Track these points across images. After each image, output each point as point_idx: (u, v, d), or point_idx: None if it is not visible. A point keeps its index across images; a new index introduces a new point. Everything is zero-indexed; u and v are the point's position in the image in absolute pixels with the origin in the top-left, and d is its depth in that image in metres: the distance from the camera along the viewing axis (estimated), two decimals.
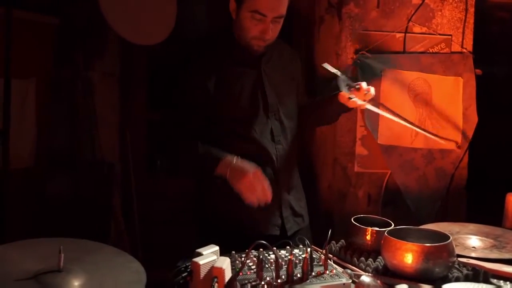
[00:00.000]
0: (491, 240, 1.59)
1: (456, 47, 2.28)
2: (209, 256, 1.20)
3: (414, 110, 2.23)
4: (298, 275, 1.24)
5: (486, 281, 1.31)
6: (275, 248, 1.26)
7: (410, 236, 1.43)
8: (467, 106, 2.28)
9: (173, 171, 2.69)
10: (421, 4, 2.23)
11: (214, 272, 1.14)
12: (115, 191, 2.60)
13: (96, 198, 2.52)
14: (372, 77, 2.15)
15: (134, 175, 2.67)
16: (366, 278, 1.25)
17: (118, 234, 2.58)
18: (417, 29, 2.24)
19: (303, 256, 1.26)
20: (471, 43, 2.29)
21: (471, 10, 2.27)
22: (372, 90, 1.68)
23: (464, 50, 2.28)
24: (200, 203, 1.78)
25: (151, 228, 2.69)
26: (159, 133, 1.98)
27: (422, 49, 2.25)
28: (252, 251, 1.29)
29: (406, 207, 2.24)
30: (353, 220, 1.57)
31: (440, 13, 2.25)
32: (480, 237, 1.61)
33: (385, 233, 1.40)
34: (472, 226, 1.71)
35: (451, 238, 1.35)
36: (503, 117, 2.67)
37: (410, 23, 2.23)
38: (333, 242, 1.58)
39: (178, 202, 2.63)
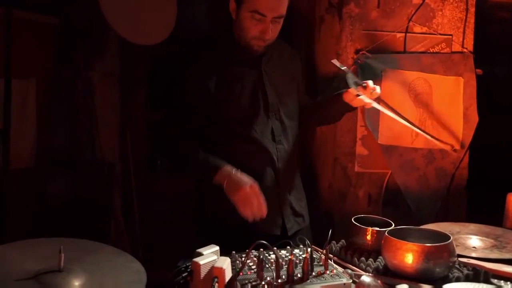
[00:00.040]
0: (492, 240, 1.59)
1: (456, 47, 2.27)
2: (209, 256, 1.20)
3: (414, 110, 2.23)
4: (299, 275, 1.24)
5: (487, 281, 1.31)
6: (275, 248, 1.26)
7: (411, 236, 1.43)
8: (467, 106, 2.28)
9: (173, 171, 2.70)
10: (421, 4, 2.22)
11: (215, 272, 1.14)
12: (115, 191, 2.60)
13: (96, 198, 2.52)
14: (373, 77, 2.14)
15: (134, 175, 2.67)
16: (366, 278, 1.25)
17: (118, 234, 2.58)
18: (417, 29, 2.24)
19: (304, 256, 1.26)
20: (472, 43, 2.29)
21: (472, 10, 2.27)
22: (378, 89, 1.69)
23: (465, 50, 2.28)
24: (201, 203, 1.77)
25: (151, 228, 2.69)
26: (160, 133, 1.98)
27: (422, 49, 2.25)
28: (253, 251, 1.29)
29: (406, 207, 2.24)
30: (354, 220, 1.57)
31: (440, 13, 2.25)
32: (480, 237, 1.61)
33: (386, 233, 1.40)
34: (472, 226, 1.71)
35: (451, 238, 1.35)
36: (503, 117, 2.67)
37: (411, 23, 2.22)
38: (334, 242, 1.58)
39: (178, 202, 2.63)
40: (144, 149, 2.87)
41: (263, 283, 1.18)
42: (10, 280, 1.02)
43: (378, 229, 1.52)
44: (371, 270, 1.39)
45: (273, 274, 1.23)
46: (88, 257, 1.14)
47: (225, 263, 1.16)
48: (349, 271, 1.36)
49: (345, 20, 2.19)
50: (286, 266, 1.25)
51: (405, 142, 2.22)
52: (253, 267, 1.28)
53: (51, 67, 2.46)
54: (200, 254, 1.20)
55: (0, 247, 1.14)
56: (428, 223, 1.70)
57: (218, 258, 1.20)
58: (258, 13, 1.60)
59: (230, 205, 1.60)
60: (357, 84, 1.68)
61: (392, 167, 2.24)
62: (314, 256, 1.32)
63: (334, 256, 1.49)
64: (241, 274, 1.21)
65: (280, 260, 1.26)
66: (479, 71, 2.29)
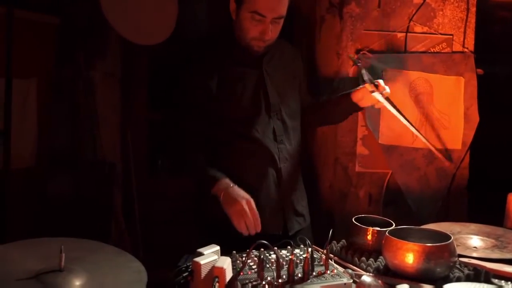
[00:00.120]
0: (493, 240, 1.59)
1: (457, 47, 2.27)
2: (210, 255, 1.20)
3: (415, 110, 2.23)
4: (299, 275, 1.24)
5: (488, 281, 1.31)
6: (276, 248, 1.26)
7: (411, 236, 1.43)
8: (468, 106, 2.28)
9: (174, 171, 2.70)
10: (422, 4, 2.22)
11: (215, 272, 1.14)
12: (116, 191, 2.60)
13: (97, 198, 2.52)
14: (373, 77, 2.15)
15: (135, 175, 2.68)
16: (367, 278, 1.25)
17: (119, 234, 2.58)
18: (418, 28, 2.23)
19: (304, 256, 1.26)
20: (473, 42, 2.28)
21: (473, 9, 2.27)
22: (388, 88, 1.70)
23: (466, 50, 2.28)
24: (201, 203, 1.78)
25: (152, 228, 2.69)
26: (161, 133, 1.98)
27: (423, 49, 2.25)
28: (253, 250, 1.29)
29: (407, 207, 2.24)
30: (354, 220, 1.57)
31: (441, 12, 2.25)
32: (481, 237, 1.61)
33: (386, 233, 1.40)
34: (473, 226, 1.71)
35: (452, 238, 1.35)
36: (504, 117, 2.67)
37: (411, 23, 2.22)
38: (334, 242, 1.58)
39: (179, 202, 2.63)
40: (145, 149, 2.87)
41: (263, 283, 1.19)
42: (11, 279, 1.02)
43: (378, 229, 1.52)
44: (371, 270, 1.39)
45: (273, 274, 1.23)
46: (89, 257, 1.14)
47: (226, 263, 1.16)
48: (350, 271, 1.36)
49: (346, 20, 2.19)
50: (286, 266, 1.25)
51: (405, 142, 2.22)
52: (254, 267, 1.28)
53: (52, 67, 2.46)
54: (201, 254, 1.21)
55: (1, 246, 1.15)
56: (428, 223, 1.70)
57: (218, 258, 1.20)
58: (258, 13, 1.60)
59: None
60: (370, 82, 1.70)
61: (393, 167, 2.24)
62: (315, 256, 1.32)
63: (334, 256, 1.49)
64: (241, 274, 1.21)
65: (281, 260, 1.26)
66: (480, 71, 2.29)
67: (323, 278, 1.24)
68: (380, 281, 1.26)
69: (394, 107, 1.78)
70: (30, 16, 2.28)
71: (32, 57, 2.33)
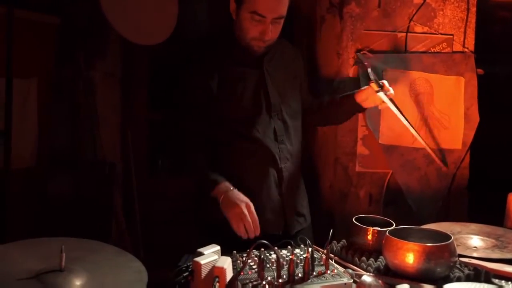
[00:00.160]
0: (493, 240, 1.59)
1: (457, 47, 2.27)
2: (210, 255, 1.20)
3: (415, 110, 2.23)
4: (299, 275, 1.24)
5: (488, 281, 1.31)
6: (276, 247, 1.26)
7: (412, 236, 1.43)
8: (468, 106, 2.28)
9: (174, 171, 2.70)
10: (422, 4, 2.22)
11: (216, 272, 1.14)
12: (116, 191, 2.60)
13: (98, 198, 2.52)
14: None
15: (135, 175, 2.68)
16: (367, 278, 1.25)
17: (120, 234, 2.58)
18: (418, 28, 2.23)
19: (305, 255, 1.26)
20: (473, 42, 2.28)
21: (473, 9, 2.27)
22: (392, 90, 1.71)
23: (466, 50, 2.28)
24: (201, 203, 1.78)
25: (152, 227, 2.69)
26: (161, 133, 1.98)
27: (423, 49, 2.25)
28: (254, 250, 1.29)
29: (407, 207, 2.24)
30: (355, 220, 1.57)
31: (441, 12, 2.25)
32: (481, 237, 1.61)
33: (387, 233, 1.40)
34: (473, 226, 1.71)
35: (452, 238, 1.35)
36: (504, 117, 2.66)
37: (412, 23, 2.22)
38: (335, 241, 1.58)
39: (179, 202, 2.63)
40: (145, 149, 2.87)
41: (264, 282, 1.19)
42: (12, 279, 1.02)
43: (379, 229, 1.52)
44: (372, 270, 1.39)
45: (274, 273, 1.23)
46: (89, 257, 1.14)
47: (226, 263, 1.16)
48: (350, 271, 1.36)
49: (346, 20, 2.19)
50: (287, 265, 1.25)
51: (406, 142, 2.22)
52: (254, 266, 1.28)
53: (52, 67, 2.46)
54: (201, 254, 1.21)
55: (2, 246, 1.15)
56: (429, 223, 1.70)
57: (219, 258, 1.20)
58: (258, 14, 1.60)
59: None
60: (376, 81, 1.71)
61: (393, 167, 2.24)
62: (315, 256, 1.32)
63: (335, 256, 1.49)
64: (242, 273, 1.21)
65: (281, 260, 1.26)
66: (480, 71, 2.29)
67: (323, 278, 1.24)
68: (380, 281, 1.26)
69: (397, 108, 1.79)
70: (30, 16, 2.28)
71: (32, 57, 2.33)
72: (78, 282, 1.04)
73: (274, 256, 1.32)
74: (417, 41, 2.24)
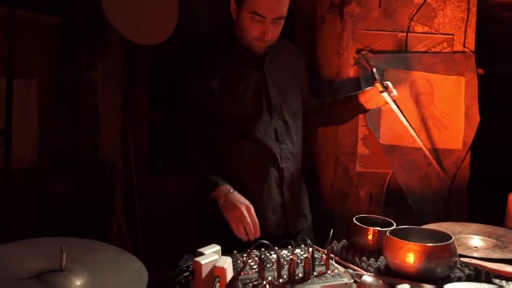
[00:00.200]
0: (493, 240, 1.59)
1: (458, 47, 2.27)
2: (210, 255, 1.20)
3: (415, 110, 2.23)
4: (300, 275, 1.24)
5: (488, 281, 1.31)
6: (276, 247, 1.26)
7: (412, 236, 1.43)
8: (469, 105, 2.28)
9: (175, 171, 2.70)
10: (423, 4, 2.22)
11: (216, 272, 1.14)
12: (117, 190, 2.60)
13: (98, 198, 2.52)
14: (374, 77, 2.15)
15: (136, 175, 2.68)
16: (367, 278, 1.25)
17: (120, 234, 2.58)
18: (419, 28, 2.23)
19: (305, 255, 1.26)
20: (473, 42, 2.28)
21: (473, 9, 2.27)
22: (395, 91, 1.72)
23: (466, 50, 2.28)
24: (202, 202, 1.78)
25: (152, 227, 2.69)
26: (162, 133, 1.99)
27: (424, 49, 2.25)
28: (254, 250, 1.29)
29: (408, 207, 2.24)
30: (355, 220, 1.57)
31: (442, 12, 2.25)
32: (482, 237, 1.61)
33: (387, 232, 1.40)
34: (474, 226, 1.71)
35: (453, 238, 1.35)
36: (505, 117, 2.66)
37: (412, 23, 2.22)
38: (335, 241, 1.59)
39: (179, 202, 2.63)
40: (146, 149, 2.87)
41: (264, 282, 1.19)
42: (13, 279, 1.02)
43: (379, 229, 1.52)
44: (372, 270, 1.39)
45: (274, 273, 1.23)
46: (90, 257, 1.14)
47: (227, 263, 1.16)
48: (351, 270, 1.36)
49: (347, 19, 2.19)
50: (287, 265, 1.25)
51: (406, 142, 2.22)
52: (255, 266, 1.28)
53: (53, 67, 2.46)
54: (202, 254, 1.21)
55: (3, 246, 1.15)
56: (429, 223, 1.70)
57: (219, 258, 1.20)
58: (258, 14, 1.60)
59: None
60: (381, 82, 1.72)
61: (394, 167, 2.24)
62: (316, 255, 1.32)
63: (335, 256, 1.50)
64: (242, 273, 1.21)
65: (282, 260, 1.26)
66: (480, 70, 2.29)
67: (323, 278, 1.24)
68: (381, 281, 1.26)
69: (400, 110, 1.80)
70: (31, 16, 2.28)
71: (33, 57, 2.33)
72: (78, 282, 1.04)
73: (274, 256, 1.32)
74: (418, 41, 2.24)
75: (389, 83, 1.73)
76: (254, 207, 1.57)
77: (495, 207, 1.88)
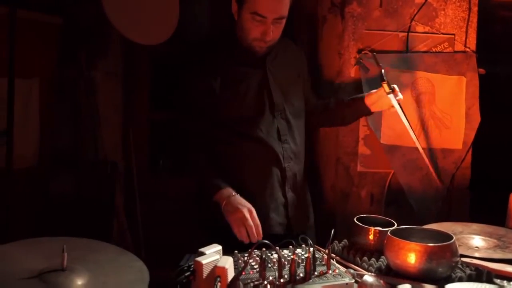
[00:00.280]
0: (495, 240, 1.59)
1: (459, 46, 2.27)
2: (212, 255, 1.20)
3: (416, 110, 2.22)
4: (301, 275, 1.24)
5: (490, 281, 1.31)
6: (278, 247, 1.26)
7: (413, 236, 1.43)
8: (470, 105, 2.28)
9: (175, 171, 2.70)
10: (424, 3, 2.22)
11: (217, 272, 1.14)
12: (118, 190, 2.60)
13: (99, 198, 2.53)
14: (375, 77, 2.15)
15: (136, 174, 2.68)
16: (369, 278, 1.25)
17: (121, 233, 2.59)
18: (420, 28, 2.23)
19: (306, 255, 1.26)
20: (475, 42, 2.28)
21: (475, 9, 2.27)
22: (401, 95, 1.73)
23: (467, 50, 2.27)
24: (203, 202, 1.78)
25: (153, 227, 2.70)
26: (163, 133, 1.99)
27: (425, 49, 2.24)
28: (255, 250, 1.29)
29: (409, 207, 2.24)
30: (356, 219, 1.57)
31: (443, 12, 2.25)
32: (483, 237, 1.61)
33: (388, 232, 1.40)
34: (475, 226, 1.71)
35: (454, 238, 1.35)
36: (505, 117, 2.66)
37: (413, 23, 2.22)
38: (336, 241, 1.58)
39: (180, 201, 2.64)
40: (147, 149, 2.87)
41: (265, 282, 1.19)
42: (14, 279, 1.02)
43: (380, 228, 1.52)
44: (373, 270, 1.39)
45: (275, 273, 1.23)
46: (91, 256, 1.14)
47: (228, 263, 1.16)
48: (352, 270, 1.36)
49: (348, 19, 2.19)
50: (288, 265, 1.25)
51: (407, 141, 2.22)
52: (256, 266, 1.28)
53: (54, 67, 2.47)
54: (203, 254, 1.21)
55: (4, 246, 1.15)
56: (430, 223, 1.70)
57: (220, 258, 1.20)
58: (258, 14, 1.59)
59: None
60: (388, 84, 1.73)
61: (395, 167, 2.24)
62: (317, 255, 1.32)
63: (336, 255, 1.50)
64: (243, 273, 1.21)
65: (283, 260, 1.26)
66: (481, 70, 2.29)
67: (325, 278, 1.24)
68: (382, 281, 1.26)
69: (404, 115, 1.81)
70: (32, 16, 2.28)
71: (34, 57, 2.33)
72: (80, 281, 1.04)
73: (275, 256, 1.32)
74: (419, 40, 2.23)
75: (395, 87, 1.73)
76: (256, 206, 1.57)
77: (496, 207, 1.88)
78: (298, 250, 1.39)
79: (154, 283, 1.12)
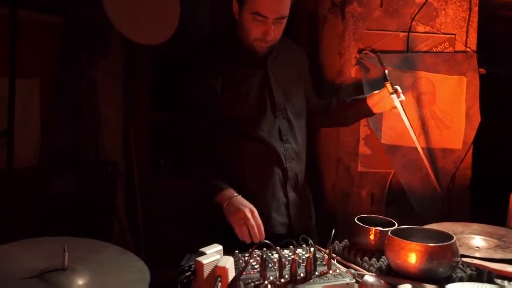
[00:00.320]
0: (495, 240, 1.59)
1: (460, 46, 2.27)
2: (212, 255, 1.20)
3: (417, 110, 2.22)
4: (302, 275, 1.24)
5: (490, 281, 1.31)
6: (278, 247, 1.26)
7: (414, 236, 1.43)
8: (470, 105, 2.28)
9: (176, 171, 2.70)
10: (424, 3, 2.22)
11: (218, 272, 1.14)
12: (118, 190, 2.60)
13: (100, 198, 2.53)
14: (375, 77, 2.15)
15: (137, 174, 2.68)
16: (369, 278, 1.25)
17: (122, 233, 2.59)
18: (420, 28, 2.23)
19: (307, 255, 1.26)
20: (475, 42, 2.28)
21: (475, 9, 2.27)
22: (403, 96, 1.74)
23: (468, 49, 2.27)
24: (205, 202, 1.78)
25: (154, 227, 2.70)
26: (163, 133, 1.99)
27: (425, 48, 2.24)
28: (256, 250, 1.29)
29: (409, 207, 2.24)
30: (357, 219, 1.57)
31: (443, 12, 2.25)
32: (484, 237, 1.61)
33: (389, 232, 1.40)
34: (475, 226, 1.70)
35: (455, 238, 1.35)
36: (507, 117, 2.66)
37: (414, 22, 2.22)
38: (337, 241, 1.58)
39: (181, 202, 2.64)
40: (147, 149, 2.87)
41: (266, 282, 1.19)
42: (15, 278, 1.02)
43: (381, 228, 1.52)
44: (374, 270, 1.39)
45: (276, 273, 1.23)
46: (92, 256, 1.14)
47: (228, 263, 1.16)
48: (352, 270, 1.36)
49: (348, 19, 2.19)
50: (289, 265, 1.25)
51: (408, 141, 2.21)
52: (256, 266, 1.28)
53: (55, 67, 2.47)
54: (203, 254, 1.21)
55: (5, 246, 1.15)
56: (431, 223, 1.70)
57: (221, 258, 1.21)
58: (259, 14, 1.59)
59: None
60: (392, 84, 1.73)
61: (395, 167, 2.24)
62: (317, 255, 1.32)
63: (337, 255, 1.50)
64: (244, 273, 1.21)
65: (283, 260, 1.26)
66: (482, 70, 2.29)
67: (325, 278, 1.24)
68: (382, 281, 1.26)
69: (406, 116, 1.81)
70: (33, 16, 2.28)
71: (35, 57, 2.33)
72: (80, 281, 1.05)
73: (276, 255, 1.32)
74: (419, 40, 2.23)
75: (398, 88, 1.74)
76: (258, 207, 1.57)
77: (496, 207, 1.88)
78: (299, 250, 1.39)
79: (154, 283, 1.12)
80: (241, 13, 1.65)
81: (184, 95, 1.74)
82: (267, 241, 1.19)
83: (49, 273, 1.04)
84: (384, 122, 2.19)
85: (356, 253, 1.49)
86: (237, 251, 1.37)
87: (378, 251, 1.49)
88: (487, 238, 1.60)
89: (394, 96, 1.72)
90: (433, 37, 2.24)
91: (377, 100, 1.76)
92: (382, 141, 2.21)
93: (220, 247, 1.25)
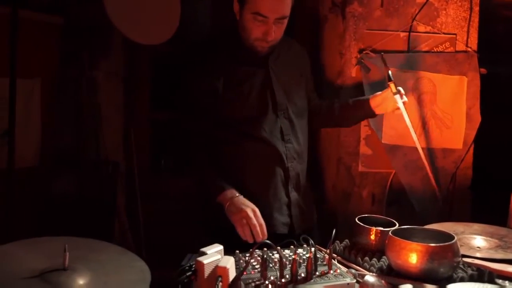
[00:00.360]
0: (496, 240, 1.58)
1: (460, 46, 2.27)
2: (213, 255, 1.20)
3: (418, 110, 2.22)
4: (302, 275, 1.24)
5: (491, 282, 1.31)
6: (279, 247, 1.26)
7: (415, 236, 1.43)
8: (470, 105, 2.28)
9: (177, 171, 2.70)
10: (425, 3, 2.22)
11: (219, 271, 1.14)
12: (119, 190, 2.61)
13: (101, 198, 2.53)
14: (376, 77, 2.15)
15: (138, 174, 2.68)
16: (370, 278, 1.25)
17: (122, 233, 2.59)
18: (421, 28, 2.23)
19: (307, 255, 1.26)
20: (476, 42, 2.28)
21: (476, 9, 2.26)
22: (405, 97, 1.74)
23: (469, 49, 2.27)
24: (205, 202, 1.78)
25: (155, 227, 2.70)
26: (164, 133, 1.99)
27: (426, 48, 2.24)
28: (256, 250, 1.29)
29: (410, 207, 2.24)
30: (357, 220, 1.57)
31: (444, 12, 2.24)
32: (484, 237, 1.61)
33: (390, 233, 1.40)
34: (476, 226, 1.70)
35: (455, 238, 1.35)
36: (507, 117, 2.66)
37: (415, 22, 2.22)
38: (337, 241, 1.58)
39: (181, 201, 2.64)
40: (148, 149, 2.87)
41: (266, 282, 1.19)
42: (16, 278, 1.02)
43: (382, 229, 1.52)
44: (375, 270, 1.39)
45: (277, 273, 1.23)
46: (92, 256, 1.14)
47: (229, 263, 1.16)
48: (353, 270, 1.36)
49: (349, 19, 2.19)
50: (290, 265, 1.25)
51: (409, 141, 2.21)
52: (257, 266, 1.28)
53: (55, 67, 2.47)
54: (204, 253, 1.21)
55: (6, 246, 1.15)
56: (432, 223, 1.70)
57: (222, 257, 1.21)
58: (260, 14, 1.59)
59: None
60: (395, 85, 1.73)
61: (396, 167, 2.24)
62: (318, 255, 1.32)
63: (338, 255, 1.50)
64: (245, 273, 1.21)
65: (284, 260, 1.26)
66: (483, 70, 2.29)
67: (326, 278, 1.24)
68: (383, 281, 1.26)
69: (408, 117, 1.81)
70: (34, 16, 2.29)
71: (36, 57, 2.34)
72: (81, 281, 1.05)
73: (277, 255, 1.32)
74: (420, 40, 2.23)
75: (401, 89, 1.73)
76: (259, 206, 1.57)
77: (497, 207, 1.88)
78: (300, 250, 1.39)
79: (155, 283, 1.12)
80: (242, 13, 1.65)
81: (186, 95, 1.74)
82: (267, 241, 1.19)
83: (50, 273, 1.04)
84: (385, 122, 2.19)
85: (357, 253, 1.49)
86: (238, 251, 1.37)
87: (379, 251, 1.49)
88: (488, 238, 1.60)
89: (397, 96, 1.72)
90: (434, 37, 2.24)
91: (379, 101, 1.76)
92: (383, 141, 2.21)
93: (221, 247, 1.25)
